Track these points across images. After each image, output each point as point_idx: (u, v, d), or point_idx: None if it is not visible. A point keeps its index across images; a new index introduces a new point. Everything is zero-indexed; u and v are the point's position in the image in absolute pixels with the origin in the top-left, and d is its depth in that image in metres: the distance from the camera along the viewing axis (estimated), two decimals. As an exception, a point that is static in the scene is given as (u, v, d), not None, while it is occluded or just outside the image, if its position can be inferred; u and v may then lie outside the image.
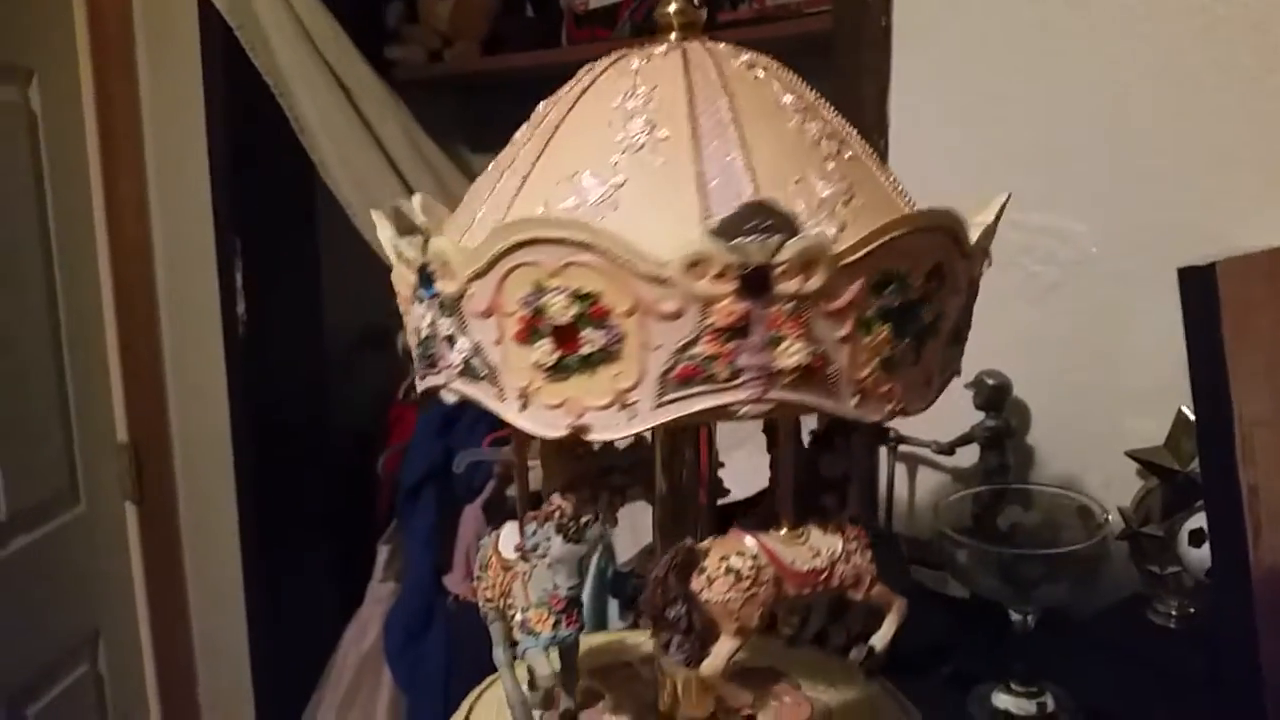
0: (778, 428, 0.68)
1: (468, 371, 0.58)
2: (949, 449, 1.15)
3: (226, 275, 1.98)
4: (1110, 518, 0.88)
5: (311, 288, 2.16)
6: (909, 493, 1.25)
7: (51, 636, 1.92)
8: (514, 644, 0.73)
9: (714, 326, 0.52)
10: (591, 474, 0.74)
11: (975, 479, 1.13)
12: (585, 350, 0.54)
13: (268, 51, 1.84)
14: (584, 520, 0.62)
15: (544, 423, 0.56)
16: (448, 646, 1.88)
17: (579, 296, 0.53)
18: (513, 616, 0.64)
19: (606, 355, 0.54)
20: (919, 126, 1.17)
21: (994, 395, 1.10)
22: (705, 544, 0.62)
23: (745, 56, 0.64)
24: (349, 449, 2.22)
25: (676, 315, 0.52)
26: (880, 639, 0.65)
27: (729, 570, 0.61)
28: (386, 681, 1.98)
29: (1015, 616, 0.91)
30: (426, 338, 0.60)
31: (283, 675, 2.09)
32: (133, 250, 2.05)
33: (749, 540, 0.63)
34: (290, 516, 2.12)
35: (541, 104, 0.66)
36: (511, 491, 0.77)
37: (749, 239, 0.51)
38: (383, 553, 2.07)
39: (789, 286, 0.52)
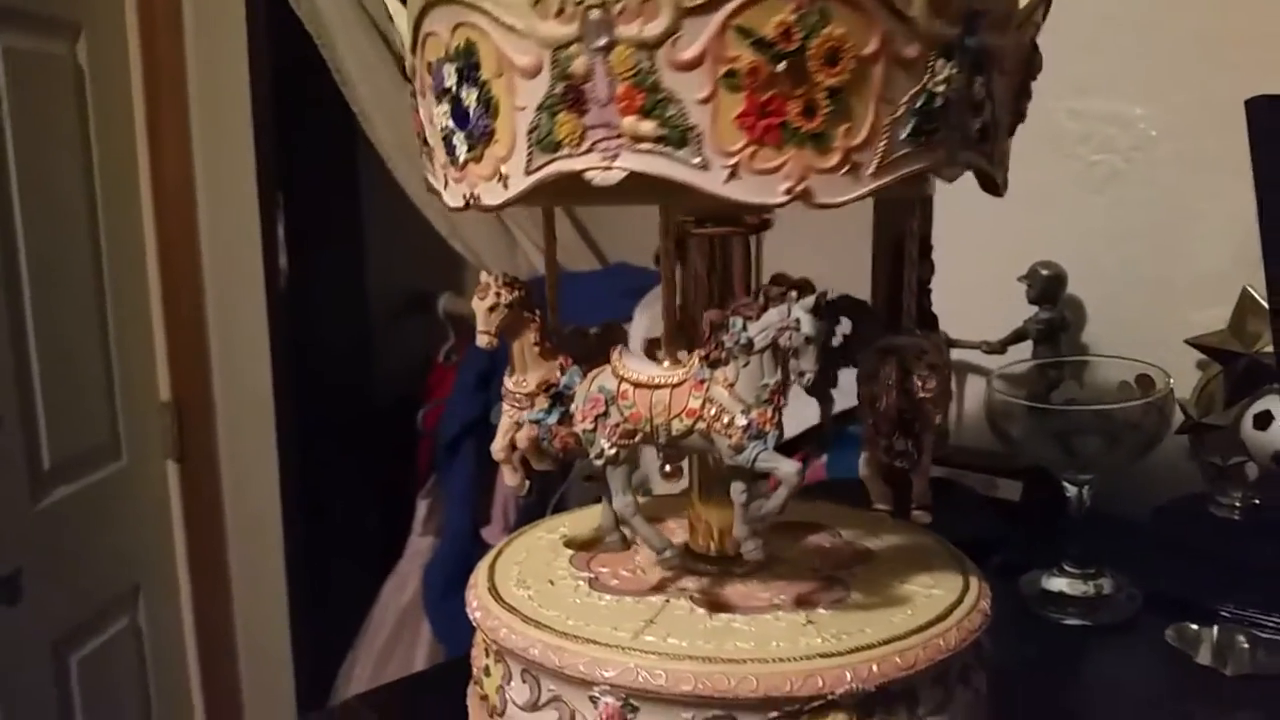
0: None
1: (984, 136, 0.57)
2: (1000, 348, 1.10)
3: (269, 229, 1.99)
4: (1172, 382, 0.84)
5: (354, 246, 2.17)
6: (957, 401, 1.20)
7: (93, 588, 1.92)
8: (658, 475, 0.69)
9: None
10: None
11: (1031, 384, 1.09)
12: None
13: (310, 1, 1.85)
14: (823, 293, 0.59)
15: None
16: (487, 598, 1.86)
17: None
18: (724, 424, 0.58)
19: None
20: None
21: (1048, 287, 1.06)
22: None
23: None
24: (390, 409, 2.22)
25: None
26: None
27: (931, 366, 0.63)
28: (425, 635, 1.97)
29: (1070, 491, 0.87)
30: (940, 106, 0.52)
31: (321, 630, 2.08)
32: (177, 207, 2.06)
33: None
34: (331, 475, 2.12)
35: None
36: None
37: None
38: (421, 507, 2.06)
39: (629, 30, 0.49)
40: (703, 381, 0.59)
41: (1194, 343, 0.99)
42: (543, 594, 0.65)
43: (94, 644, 1.93)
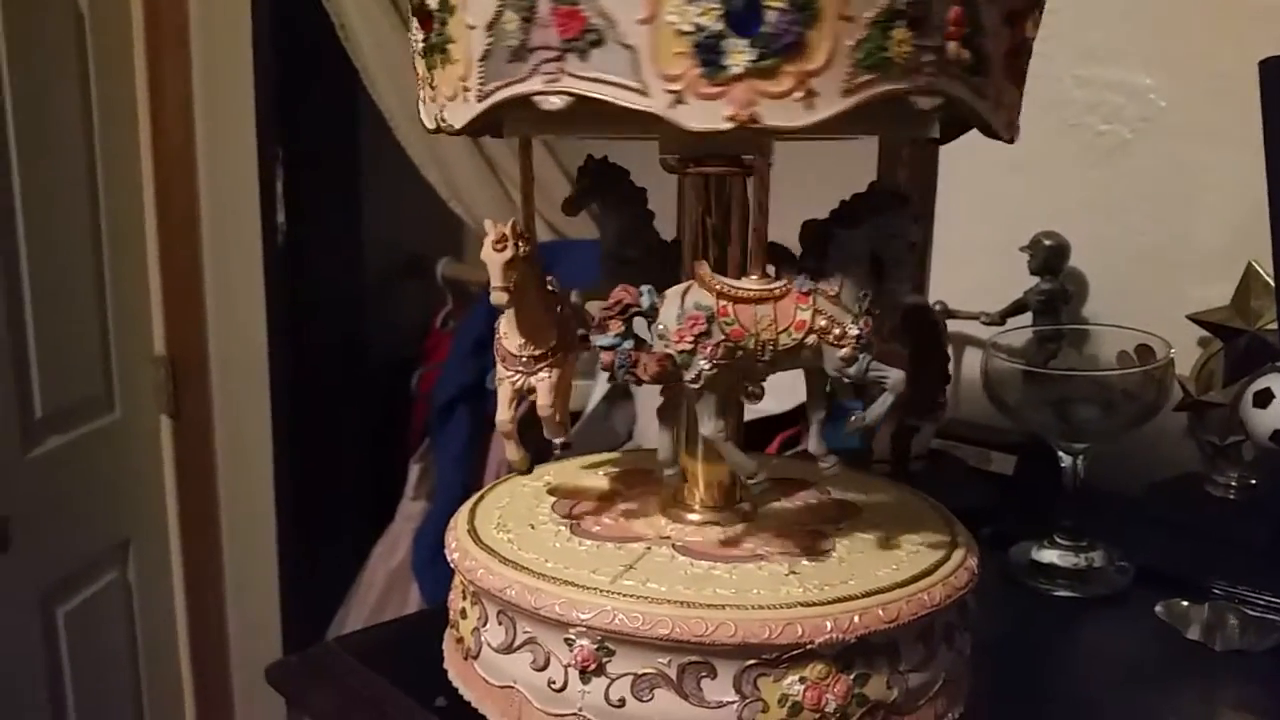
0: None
1: None
2: (999, 319, 1.09)
3: (267, 183, 1.97)
4: (1173, 352, 0.83)
5: (352, 206, 2.14)
6: (955, 372, 1.19)
7: (82, 540, 1.92)
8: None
9: None
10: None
11: (1028, 354, 1.08)
12: None
13: (315, -47, 1.83)
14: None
15: None
16: (476, 563, 1.85)
17: None
18: (836, 336, 0.57)
19: None
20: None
21: (1051, 257, 1.04)
22: None
23: None
24: (385, 371, 2.20)
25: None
26: None
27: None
28: (414, 598, 1.96)
29: (1065, 461, 0.86)
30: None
31: (311, 590, 2.08)
32: (176, 159, 2.03)
33: None
34: (324, 434, 2.10)
35: None
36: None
37: None
38: (414, 471, 2.05)
39: None
40: (807, 293, 0.57)
41: (1196, 318, 0.97)
42: (522, 537, 0.64)
43: (82, 596, 1.92)
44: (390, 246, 2.19)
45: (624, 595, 0.56)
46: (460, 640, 0.63)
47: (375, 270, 2.17)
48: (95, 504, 1.94)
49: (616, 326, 0.58)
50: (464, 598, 0.63)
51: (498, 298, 0.59)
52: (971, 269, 1.12)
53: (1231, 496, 0.96)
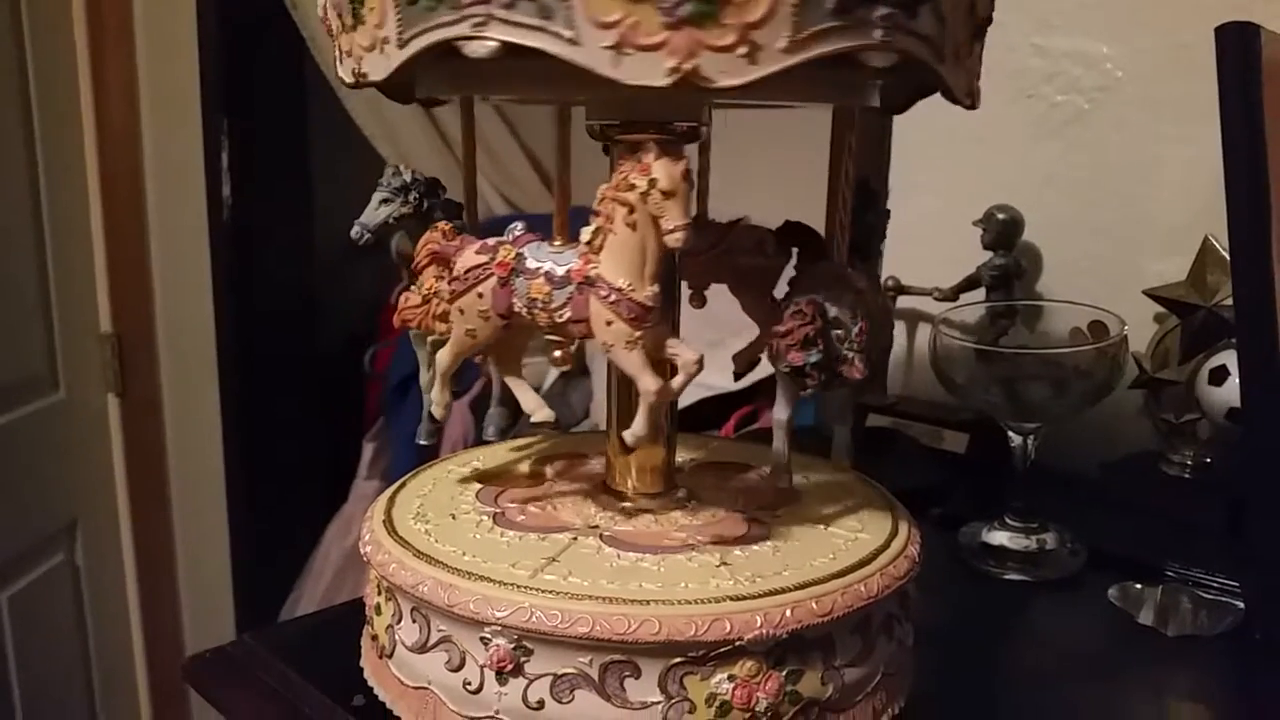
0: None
1: None
2: (952, 294, 1.06)
3: (213, 155, 1.91)
4: (1127, 328, 0.80)
5: (302, 179, 2.09)
6: (907, 352, 1.16)
7: (27, 522, 1.86)
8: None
9: None
10: None
11: (979, 331, 1.05)
12: None
13: (259, -82, 1.77)
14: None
15: None
16: (430, 543, 1.82)
17: None
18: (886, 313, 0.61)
19: None
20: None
21: (1004, 231, 1.02)
22: None
23: None
24: (338, 349, 2.16)
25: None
26: None
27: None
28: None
29: (1015, 441, 0.83)
30: None
31: (264, 571, 2.04)
32: (121, 131, 1.97)
33: None
34: (276, 413, 2.06)
35: None
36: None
37: None
38: (368, 450, 2.01)
39: None
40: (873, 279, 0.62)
41: (1152, 294, 0.95)
42: (441, 529, 0.60)
43: (27, 580, 1.87)
44: (341, 220, 2.13)
45: (543, 591, 0.52)
46: (375, 638, 0.60)
47: (326, 244, 2.12)
48: (40, 485, 1.89)
49: (819, 343, 0.55)
50: (378, 593, 0.60)
51: (685, 238, 0.51)
52: (924, 243, 1.09)
53: (1187, 476, 0.95)
